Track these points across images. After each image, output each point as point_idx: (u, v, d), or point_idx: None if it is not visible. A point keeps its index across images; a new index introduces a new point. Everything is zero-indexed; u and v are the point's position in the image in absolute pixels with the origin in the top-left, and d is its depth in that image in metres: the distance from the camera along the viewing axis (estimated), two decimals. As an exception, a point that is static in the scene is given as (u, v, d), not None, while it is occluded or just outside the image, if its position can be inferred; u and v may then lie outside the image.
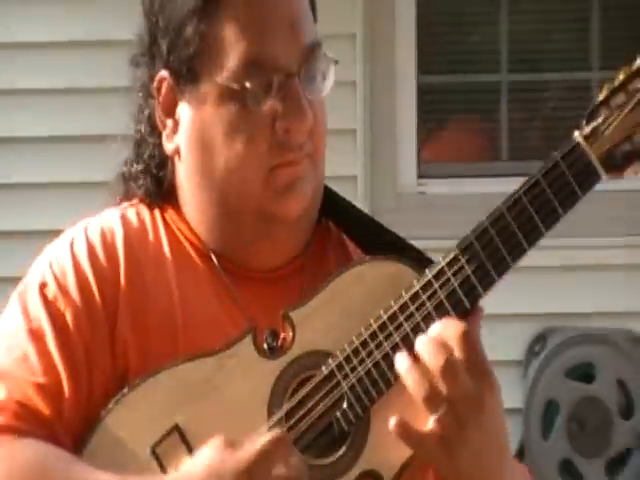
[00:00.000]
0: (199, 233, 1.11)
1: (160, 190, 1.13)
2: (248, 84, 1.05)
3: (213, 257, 1.10)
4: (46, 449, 1.04)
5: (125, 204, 1.11)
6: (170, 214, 1.12)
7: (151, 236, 1.11)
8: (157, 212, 1.11)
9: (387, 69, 2.96)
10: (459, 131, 3.28)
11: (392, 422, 1.02)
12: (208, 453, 1.00)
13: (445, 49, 3.20)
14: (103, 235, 1.08)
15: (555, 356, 3.09)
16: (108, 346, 1.07)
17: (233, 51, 1.08)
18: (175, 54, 1.10)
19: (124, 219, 1.10)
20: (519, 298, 3.01)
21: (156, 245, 1.11)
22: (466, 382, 1.01)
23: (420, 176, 3.03)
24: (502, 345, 3.00)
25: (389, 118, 2.96)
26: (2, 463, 1.03)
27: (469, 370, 1.01)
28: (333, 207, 1.15)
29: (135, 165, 1.14)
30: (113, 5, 2.82)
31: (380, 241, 1.12)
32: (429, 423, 1.00)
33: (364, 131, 2.97)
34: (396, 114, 2.98)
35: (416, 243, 1.11)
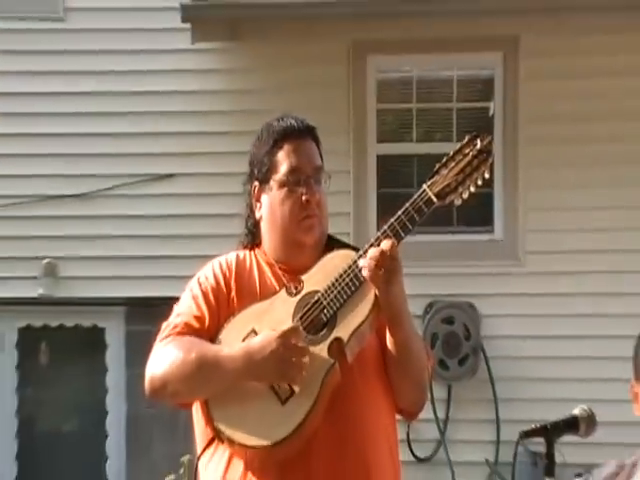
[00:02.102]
0: (270, 255, 2.06)
1: (254, 240, 2.09)
2: (290, 178, 2.01)
3: (275, 265, 2.06)
4: (193, 337, 1.97)
5: (240, 250, 2.11)
6: (257, 251, 2.10)
7: (248, 262, 2.08)
8: (252, 252, 2.10)
9: (363, 186, 5.27)
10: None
11: (364, 270, 1.85)
12: (263, 333, 1.92)
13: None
14: (226, 260, 2.08)
15: (436, 313, 5.10)
16: (227, 302, 2.01)
17: (283, 165, 2.03)
18: (260, 172, 2.06)
19: (237, 255, 2.09)
20: (424, 286, 4.80)
21: (250, 266, 2.07)
22: (389, 263, 1.85)
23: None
24: (417, 307, 4.78)
25: (363, 208, 5.21)
26: (176, 341, 1.97)
27: (390, 261, 1.85)
28: (331, 242, 2.05)
29: (244, 229, 2.11)
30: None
31: (343, 246, 2.03)
32: (370, 274, 1.85)
33: (353, 214, 5.21)
34: (367, 206, 5.21)
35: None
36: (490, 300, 5.14)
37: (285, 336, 1.91)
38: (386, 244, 1.90)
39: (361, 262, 1.91)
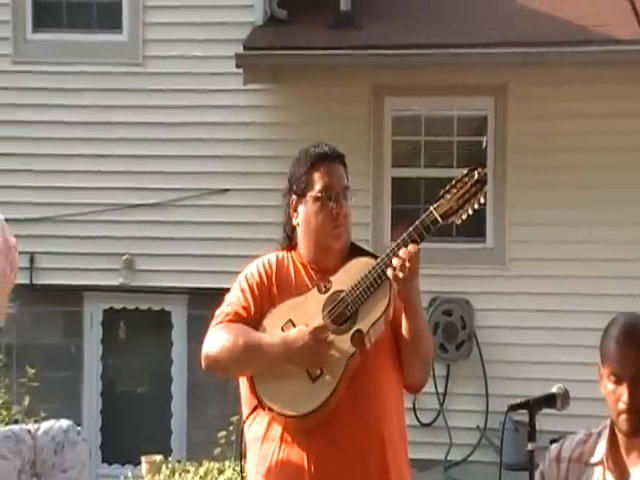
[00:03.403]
0: (304, 257, 2.06)
1: (291, 243, 2.09)
2: (324, 194, 2.01)
3: (308, 266, 2.05)
4: (241, 325, 1.97)
5: (279, 251, 2.11)
6: (293, 254, 2.08)
7: (285, 261, 2.07)
8: (289, 253, 2.09)
9: (380, 202, 5.30)
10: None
11: (389, 272, 1.87)
12: (298, 327, 1.93)
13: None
14: (268, 259, 2.08)
15: (438, 306, 5.11)
16: (268, 295, 2.01)
17: (318, 183, 2.03)
18: (298, 188, 2.06)
19: (277, 256, 2.09)
20: (429, 284, 4.92)
21: (287, 265, 2.06)
22: (414, 262, 1.89)
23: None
24: (423, 302, 4.84)
25: (380, 221, 5.24)
26: (227, 327, 1.97)
27: (414, 265, 1.88)
28: (353, 248, 2.07)
29: (282, 234, 2.11)
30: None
31: (366, 253, 2.04)
32: (401, 274, 1.87)
33: (372, 227, 5.23)
34: (383, 220, 5.24)
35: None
36: (482, 297, 5.20)
37: (316, 332, 1.94)
38: (413, 248, 1.92)
39: (394, 261, 1.91)
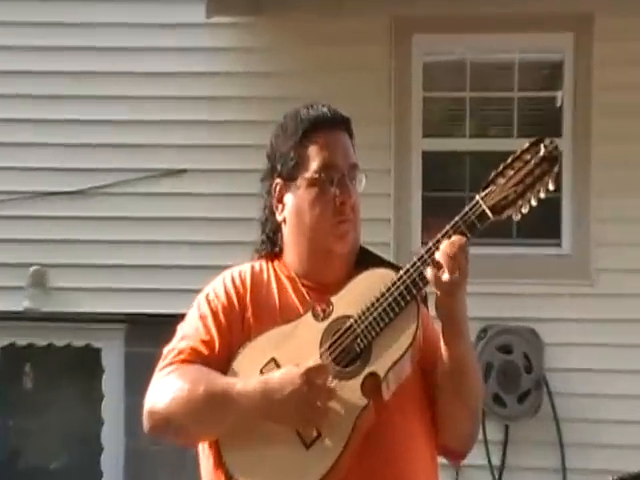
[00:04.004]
0: (292, 269, 2.09)
1: (273, 249, 2.13)
2: (323, 175, 2.04)
3: (298, 281, 2.09)
4: (201, 366, 1.99)
5: (255, 261, 2.15)
6: (276, 264, 2.13)
7: (265, 275, 2.11)
8: (270, 263, 2.13)
9: (406, 188, 5.35)
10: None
11: (429, 273, 1.90)
12: (285, 369, 1.93)
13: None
14: (240, 273, 2.11)
15: (491, 339, 5.20)
16: (240, 324, 2.04)
17: (315, 160, 2.06)
18: (284, 167, 2.09)
19: (252, 267, 2.13)
20: (476, 308, 5.06)
21: (268, 279, 2.11)
22: (466, 262, 1.90)
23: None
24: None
25: (407, 210, 5.32)
26: (181, 370, 1.99)
27: (467, 260, 1.91)
28: (364, 255, 2.11)
29: (261, 235, 2.14)
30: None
31: (382, 262, 2.09)
32: (445, 277, 1.90)
33: (394, 221, 5.30)
34: (411, 212, 5.31)
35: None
36: (555, 325, 5.24)
37: (310, 374, 1.94)
38: (460, 239, 1.93)
39: (437, 256, 1.94)
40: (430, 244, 1.97)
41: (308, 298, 2.09)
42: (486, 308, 5.02)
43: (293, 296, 2.11)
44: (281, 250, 2.17)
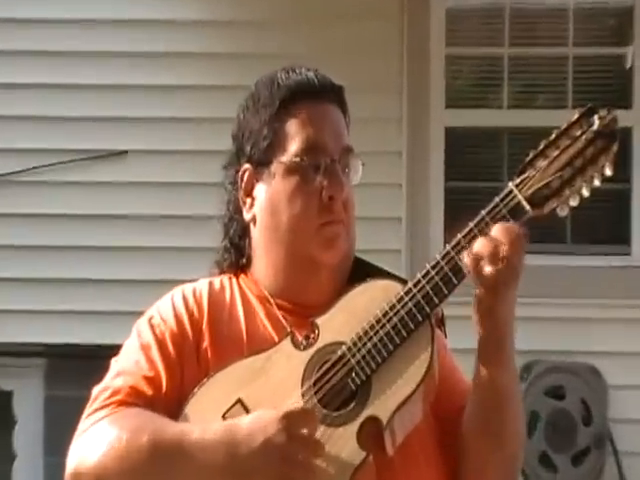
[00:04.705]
0: (264, 285, 2.13)
1: (239, 260, 2.15)
2: (305, 159, 2.06)
3: (272, 301, 2.12)
4: (144, 410, 1.99)
5: (215, 276, 2.17)
6: (243, 279, 2.15)
7: (228, 293, 2.14)
8: (234, 279, 2.16)
9: (423, 176, 5.35)
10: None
11: (466, 259, 1.90)
12: (257, 413, 1.93)
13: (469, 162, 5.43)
14: (194, 291, 2.14)
15: (538, 380, 5.16)
16: (195, 356, 2.07)
17: (296, 139, 2.09)
18: (255, 149, 2.12)
19: (210, 284, 2.15)
20: (517, 338, 4.99)
21: (231, 299, 2.13)
22: (517, 254, 1.90)
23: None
24: None
25: (425, 210, 5.30)
26: (116, 416, 2.00)
27: (520, 253, 1.90)
28: (360, 269, 2.11)
29: (223, 241, 2.17)
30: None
31: (384, 274, 2.10)
32: (488, 269, 1.89)
33: (406, 220, 5.28)
34: (429, 208, 5.28)
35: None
36: (623, 362, 5.26)
37: (291, 420, 1.93)
38: (512, 226, 1.94)
39: (478, 244, 1.94)
40: (445, 250, 1.99)
41: (285, 324, 2.11)
42: (530, 338, 4.95)
43: (265, 321, 2.13)
44: (249, 261, 2.19)
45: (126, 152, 5.47)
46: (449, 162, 5.47)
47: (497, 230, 1.95)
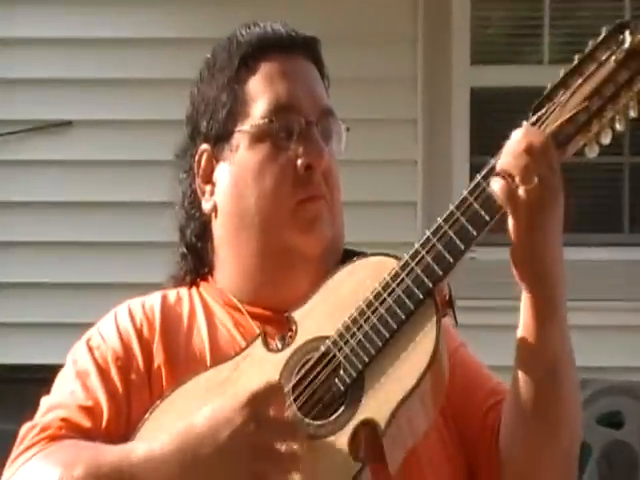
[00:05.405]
0: (230, 290, 2.17)
1: (199, 269, 2.21)
2: (275, 121, 2.09)
3: (242, 308, 2.15)
4: (80, 440, 2.02)
5: (169, 288, 2.21)
6: (204, 287, 2.20)
7: (186, 305, 2.18)
8: (194, 289, 2.21)
9: (444, 150, 5.36)
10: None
11: (495, 184, 1.91)
12: (215, 403, 1.95)
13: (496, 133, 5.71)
14: (143, 306, 2.16)
15: (587, 405, 5.01)
16: (145, 380, 2.10)
17: (261, 99, 2.13)
18: (212, 122, 2.15)
19: (164, 297, 2.19)
20: None
21: (190, 311, 2.18)
22: (550, 168, 1.92)
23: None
24: None
25: (446, 193, 5.27)
26: (47, 451, 2.01)
27: (552, 164, 1.93)
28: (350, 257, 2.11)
29: (179, 248, 2.22)
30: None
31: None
32: (520, 192, 1.90)
33: (422, 205, 5.30)
34: (452, 190, 5.26)
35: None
36: None
37: (256, 403, 1.95)
38: (537, 132, 1.96)
39: (500, 164, 1.96)
40: (449, 210, 1.99)
41: (255, 328, 2.13)
42: (579, 352, 5.10)
43: (234, 332, 2.16)
44: (211, 268, 2.22)
45: (70, 122, 5.54)
46: (475, 132, 5.54)
47: (518, 139, 1.96)
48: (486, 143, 5.51)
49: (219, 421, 1.95)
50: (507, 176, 1.95)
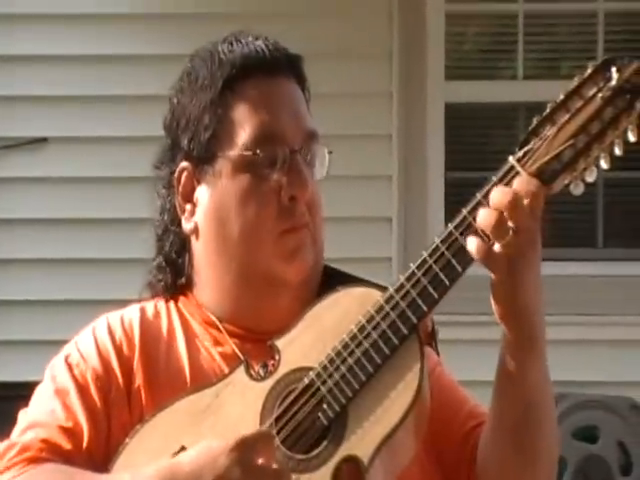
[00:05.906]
0: (211, 309, 2.17)
1: (177, 282, 2.20)
2: (259, 152, 2.09)
3: (220, 326, 2.15)
4: (61, 465, 2.01)
5: (148, 301, 2.20)
6: (183, 302, 2.20)
7: (165, 321, 2.18)
8: (172, 303, 2.20)
9: (419, 165, 5.34)
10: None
11: (470, 244, 1.89)
12: (202, 445, 1.95)
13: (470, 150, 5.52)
14: (122, 320, 2.16)
15: (562, 419, 5.09)
16: (125, 399, 2.10)
17: (245, 127, 2.12)
18: (194, 142, 2.15)
19: (142, 310, 2.19)
20: None
21: (169, 328, 2.17)
22: (527, 219, 1.88)
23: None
24: None
25: (421, 208, 5.32)
26: (26, 475, 2.00)
27: (530, 214, 1.89)
28: (332, 282, 2.12)
29: (157, 259, 2.21)
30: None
31: (360, 283, 2.11)
32: (497, 247, 1.88)
33: (398, 220, 5.29)
34: (427, 205, 5.30)
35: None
36: None
37: (244, 448, 1.94)
38: (530, 182, 1.93)
39: (481, 214, 1.94)
40: (434, 245, 1.99)
41: (238, 353, 2.14)
42: (554, 366, 5.09)
43: (213, 351, 2.16)
44: (189, 281, 2.22)
45: (45, 139, 5.53)
46: (450, 147, 5.53)
47: (494, 196, 1.93)
48: (461, 158, 5.59)
49: (204, 463, 1.95)
50: (481, 232, 1.94)
